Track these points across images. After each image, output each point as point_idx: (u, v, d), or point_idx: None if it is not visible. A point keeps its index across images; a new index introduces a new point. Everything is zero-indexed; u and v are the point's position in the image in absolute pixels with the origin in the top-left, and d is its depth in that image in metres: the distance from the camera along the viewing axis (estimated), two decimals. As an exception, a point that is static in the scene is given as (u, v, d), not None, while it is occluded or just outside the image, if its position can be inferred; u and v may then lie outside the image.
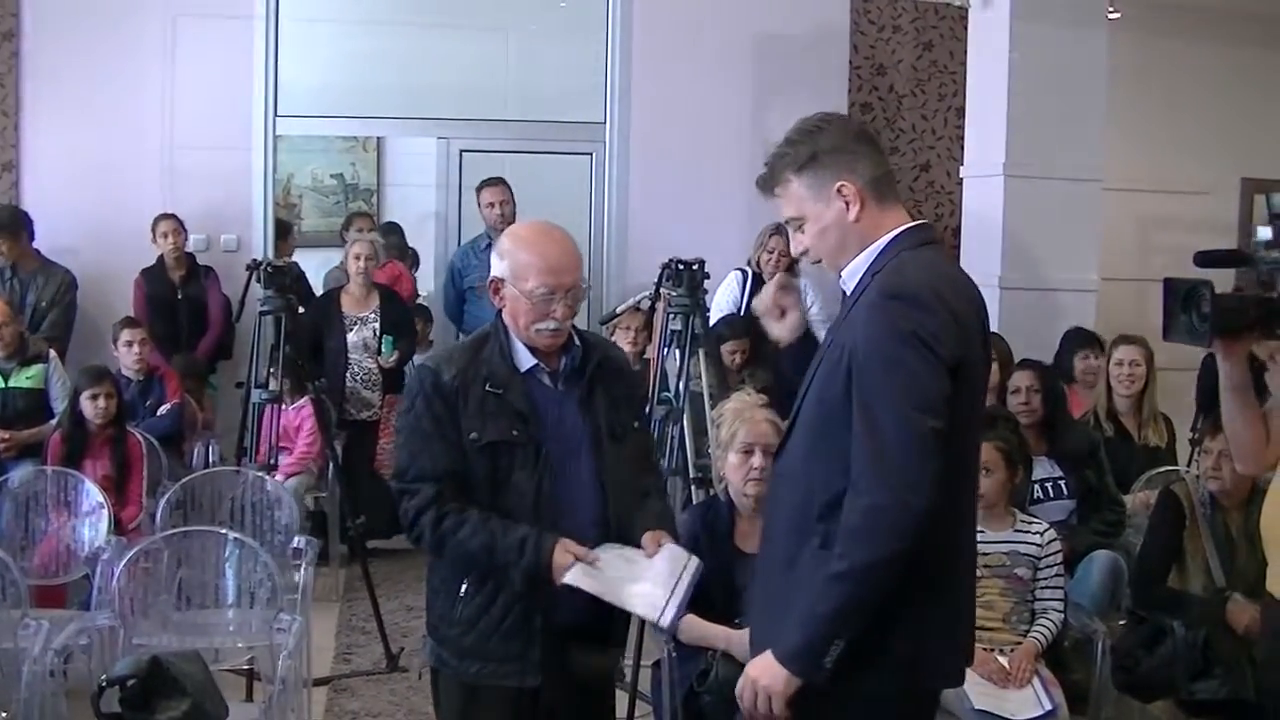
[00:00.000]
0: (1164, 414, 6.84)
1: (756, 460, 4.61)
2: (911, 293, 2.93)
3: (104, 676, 4.36)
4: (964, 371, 2.94)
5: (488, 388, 3.62)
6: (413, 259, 11.11)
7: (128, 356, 7.54)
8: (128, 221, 8.61)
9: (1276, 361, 4.86)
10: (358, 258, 8.58)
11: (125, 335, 7.60)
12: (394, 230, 10.75)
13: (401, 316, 8.78)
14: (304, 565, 5.43)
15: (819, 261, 3.18)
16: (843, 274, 3.13)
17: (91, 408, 6.54)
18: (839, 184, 3.05)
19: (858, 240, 3.08)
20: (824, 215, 3.09)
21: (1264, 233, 5.44)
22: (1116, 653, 5.11)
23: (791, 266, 8.44)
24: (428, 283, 10.29)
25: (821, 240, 3.13)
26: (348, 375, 8.45)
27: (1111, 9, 7.29)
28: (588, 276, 8.76)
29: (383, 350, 8.49)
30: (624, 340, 7.84)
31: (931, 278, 2.98)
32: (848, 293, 3.12)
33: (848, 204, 3.05)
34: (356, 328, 8.54)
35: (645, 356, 7.90)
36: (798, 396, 3.19)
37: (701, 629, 4.47)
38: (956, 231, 8.60)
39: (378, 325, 8.56)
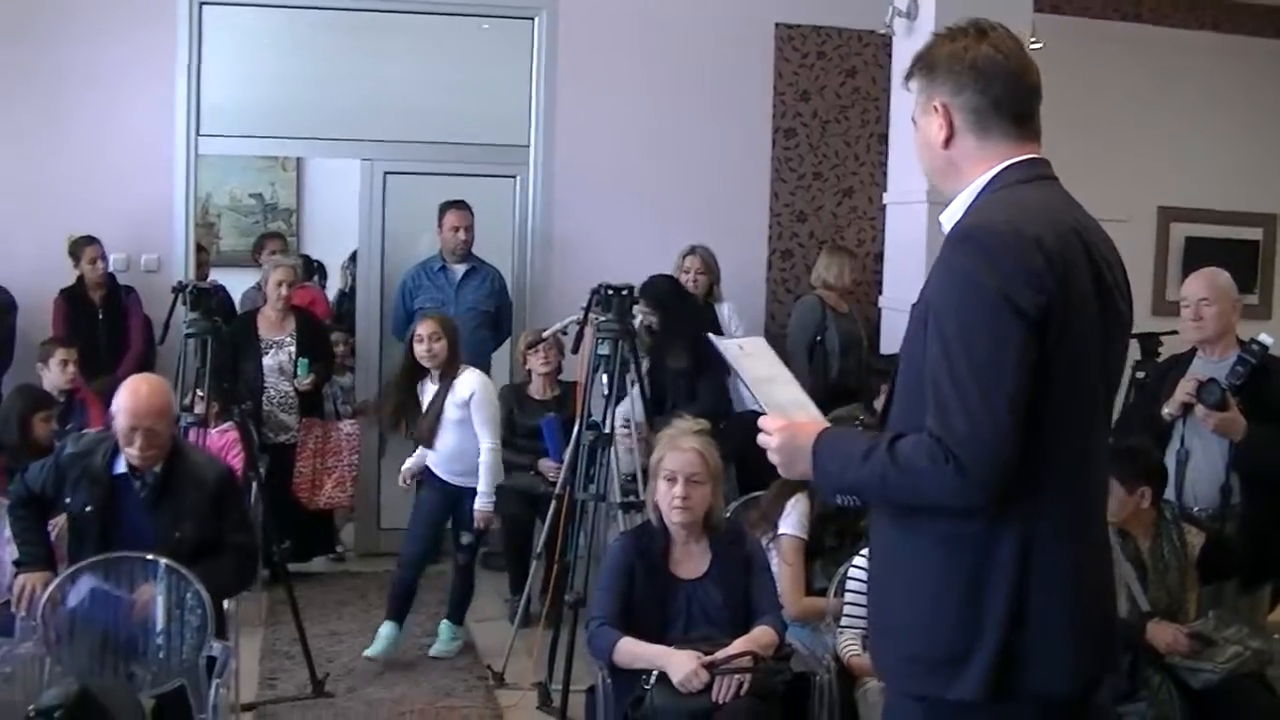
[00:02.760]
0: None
1: (678, 489, 4.65)
2: (986, 232, 2.68)
3: (31, 708, 4.32)
4: (1064, 317, 2.64)
5: None
6: (320, 273, 11.07)
7: (61, 376, 7.43)
8: (46, 240, 8.51)
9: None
10: (279, 284, 8.53)
11: (60, 354, 7.47)
12: (302, 258, 10.73)
13: (318, 339, 8.76)
14: (231, 595, 5.37)
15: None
16: (941, 219, 2.91)
17: (44, 429, 6.47)
18: (936, 102, 2.87)
19: (947, 169, 2.91)
20: (925, 128, 2.91)
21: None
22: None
23: (711, 289, 8.51)
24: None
25: (920, 153, 2.98)
26: (264, 399, 8.41)
27: (1034, 39, 7.36)
28: (513, 298, 8.88)
29: (299, 373, 8.45)
30: (536, 361, 7.89)
31: (1017, 214, 2.70)
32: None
33: (940, 126, 2.86)
34: (273, 351, 8.50)
35: (560, 378, 7.96)
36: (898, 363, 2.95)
37: (639, 649, 4.49)
38: (879, 258, 8.67)
39: (294, 349, 8.52)
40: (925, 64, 2.91)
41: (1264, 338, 5.73)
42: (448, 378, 7.15)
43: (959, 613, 2.70)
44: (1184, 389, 5.62)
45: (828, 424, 2.92)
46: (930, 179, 3.01)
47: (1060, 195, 2.89)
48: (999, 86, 2.83)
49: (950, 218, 2.87)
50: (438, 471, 7.27)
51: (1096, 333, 2.75)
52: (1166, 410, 5.69)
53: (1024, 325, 2.60)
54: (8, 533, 5.33)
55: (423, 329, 7.15)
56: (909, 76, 2.96)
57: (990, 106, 2.83)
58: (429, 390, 7.24)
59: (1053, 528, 2.71)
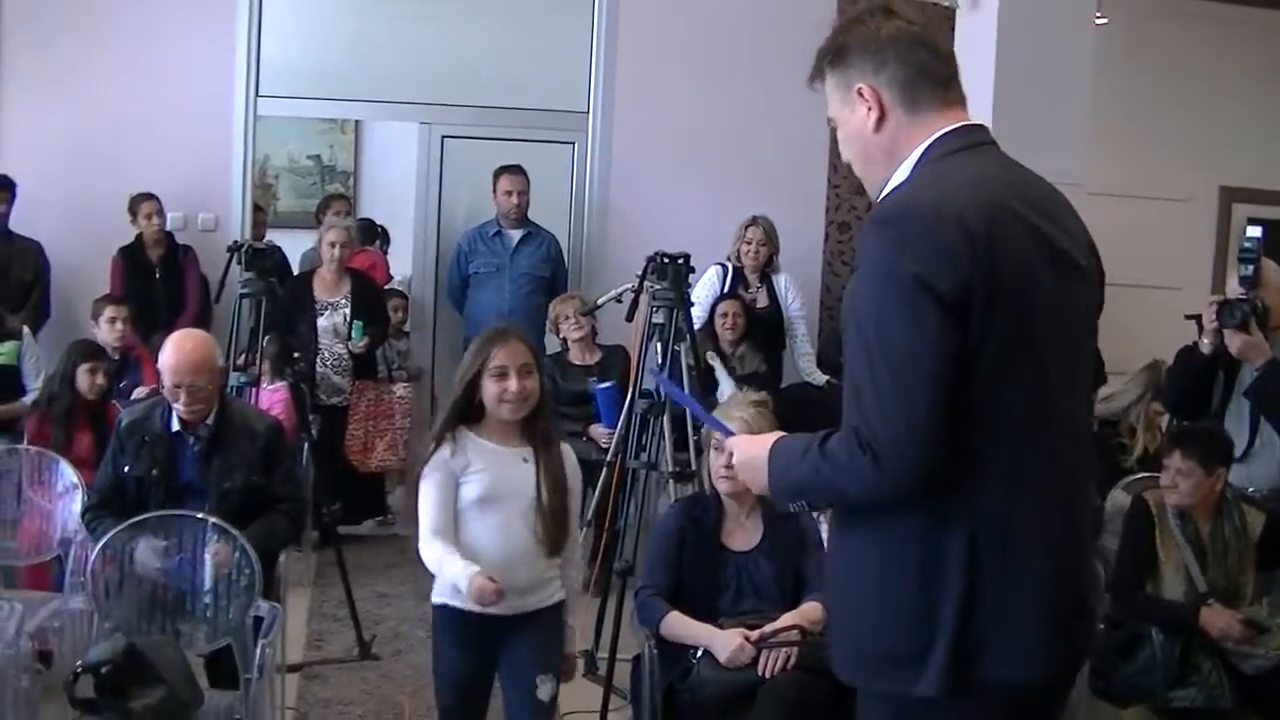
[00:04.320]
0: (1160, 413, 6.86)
1: (721, 458, 4.61)
2: (903, 215, 2.56)
3: (79, 663, 4.33)
4: (993, 295, 2.49)
5: None
6: (383, 239, 11.07)
7: (110, 334, 7.46)
8: (104, 199, 8.55)
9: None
10: (332, 245, 8.54)
11: (109, 312, 7.52)
12: (365, 222, 10.74)
13: (373, 302, 8.75)
14: (280, 552, 5.38)
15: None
16: (884, 193, 2.76)
17: (88, 381, 6.48)
18: (858, 86, 2.73)
19: (883, 155, 2.76)
20: (849, 120, 2.78)
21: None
22: (1093, 659, 5.11)
23: (770, 260, 8.47)
24: (404, 266, 10.23)
25: (846, 147, 2.84)
26: (318, 360, 8.42)
27: (1099, 15, 7.27)
28: (569, 265, 8.86)
29: (353, 336, 8.45)
30: (568, 327, 7.86)
31: (939, 192, 2.56)
32: None
33: (868, 110, 2.73)
34: (327, 313, 8.52)
35: (598, 341, 7.92)
36: None
37: (685, 627, 4.46)
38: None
39: (349, 310, 8.53)
40: (835, 54, 2.79)
41: None
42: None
43: (912, 608, 2.59)
44: (1208, 314, 5.49)
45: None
46: (865, 176, 2.85)
47: (995, 163, 2.75)
48: (922, 53, 2.72)
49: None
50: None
51: (1053, 299, 2.61)
52: (1204, 340, 5.57)
53: (941, 309, 2.47)
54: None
55: None
56: (815, 76, 2.85)
57: (916, 75, 2.71)
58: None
59: (1005, 511, 2.58)
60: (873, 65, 2.72)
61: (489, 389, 4.15)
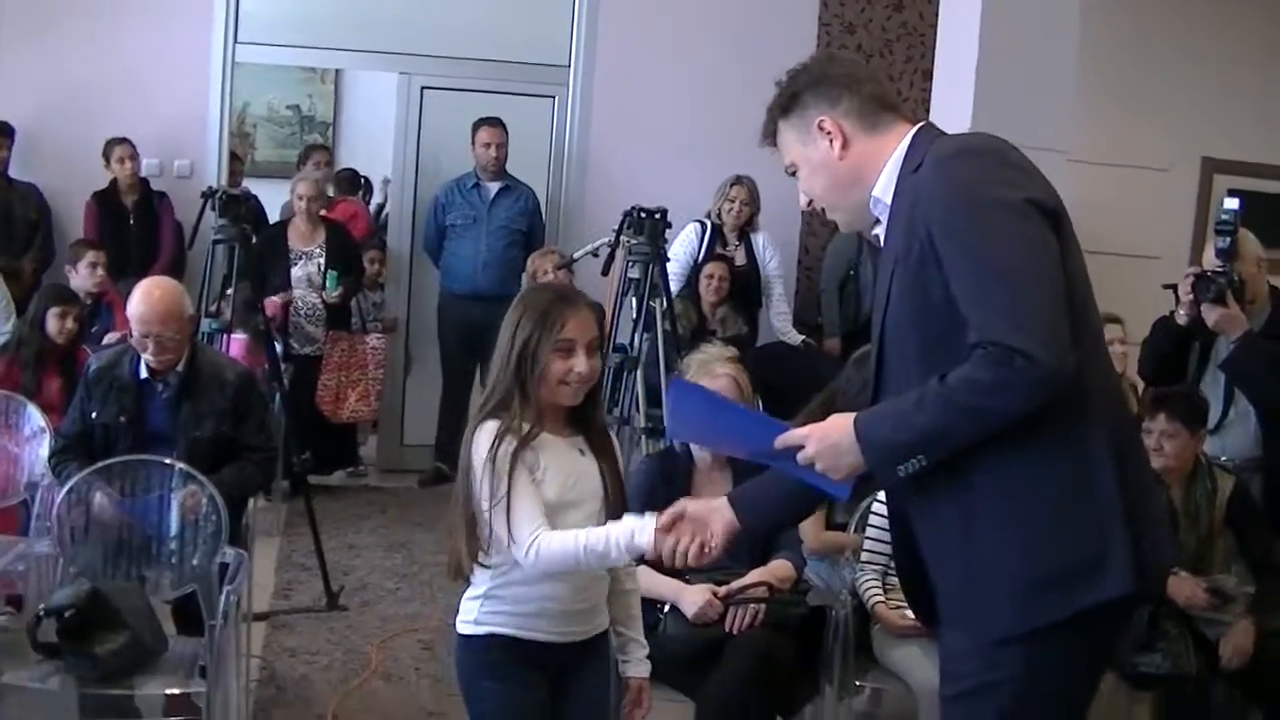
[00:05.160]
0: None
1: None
2: (977, 145, 2.76)
3: (42, 606, 4.31)
4: (1063, 220, 2.69)
5: None
6: (365, 188, 11.01)
7: (89, 279, 7.40)
8: (83, 145, 8.48)
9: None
10: (300, 198, 8.56)
11: (89, 256, 7.45)
12: (348, 172, 10.69)
13: (348, 252, 8.74)
14: (248, 500, 5.36)
15: (824, 211, 2.97)
16: (875, 193, 2.86)
17: (57, 325, 6.42)
18: (819, 120, 2.86)
19: (850, 176, 2.87)
20: (812, 157, 2.90)
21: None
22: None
23: (751, 219, 8.44)
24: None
25: (813, 182, 2.94)
26: (292, 309, 8.39)
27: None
28: (546, 219, 8.81)
29: (327, 285, 8.42)
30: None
31: (987, 136, 2.78)
32: (884, 209, 2.86)
33: (831, 141, 2.86)
34: (301, 262, 8.51)
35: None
36: (873, 345, 2.93)
37: (653, 582, 4.43)
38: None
39: (323, 260, 8.51)
40: (787, 102, 2.93)
41: None
42: None
43: (1080, 517, 2.65)
44: (1185, 287, 5.48)
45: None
46: (837, 204, 2.96)
47: None
48: (868, 84, 2.89)
49: (885, 189, 2.85)
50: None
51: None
52: (1181, 311, 5.56)
53: (1042, 215, 2.62)
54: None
55: None
56: (768, 134, 3.00)
57: (870, 100, 2.87)
58: None
59: (1115, 420, 2.74)
60: (828, 101, 2.88)
61: (552, 366, 3.28)
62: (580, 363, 3.29)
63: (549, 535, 3.19)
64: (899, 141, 2.84)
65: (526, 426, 3.27)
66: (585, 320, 3.34)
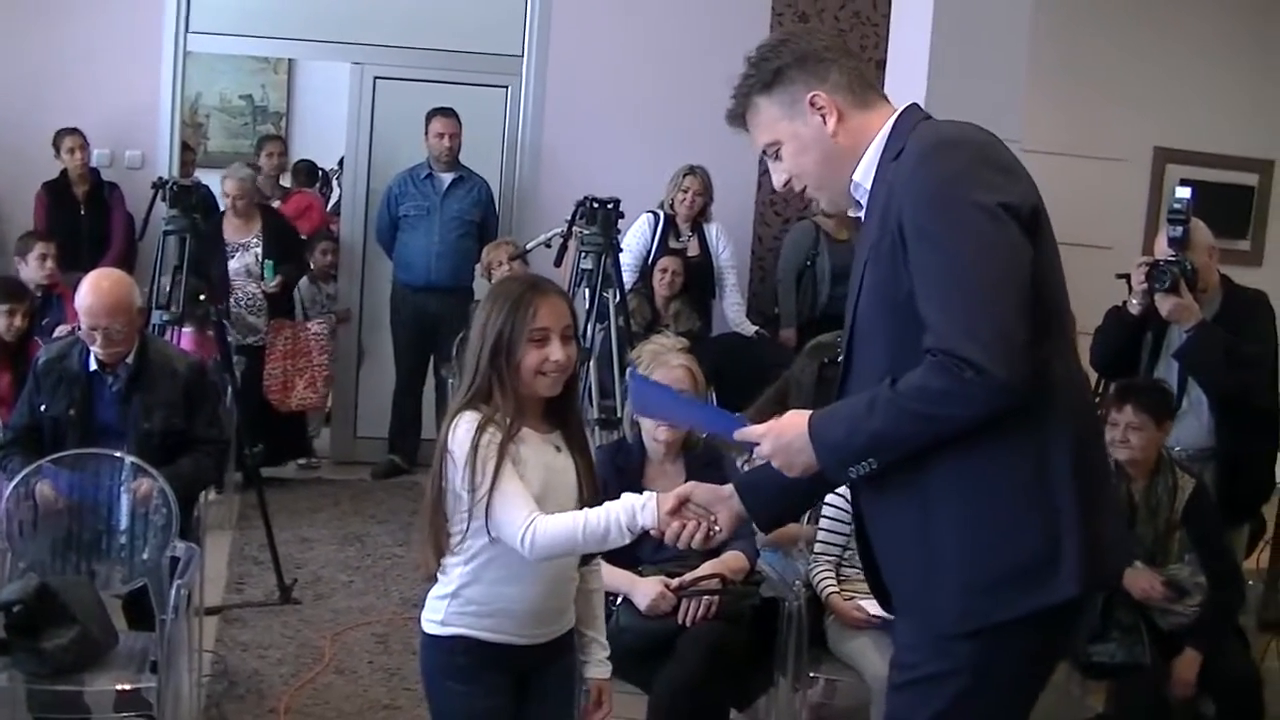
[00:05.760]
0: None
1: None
2: (957, 139, 2.67)
3: (-11, 601, 4.27)
4: (1041, 218, 2.66)
5: None
6: (324, 181, 10.95)
7: (39, 271, 7.31)
8: (31, 135, 8.38)
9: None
10: (227, 196, 8.55)
11: (39, 249, 7.34)
12: (306, 164, 10.63)
13: (286, 241, 8.74)
14: (200, 493, 5.32)
15: (805, 189, 2.92)
16: (855, 178, 2.82)
17: (6, 323, 6.37)
18: (811, 95, 2.79)
19: (842, 154, 2.81)
20: (801, 133, 2.83)
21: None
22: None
23: (704, 209, 8.43)
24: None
25: (801, 160, 2.86)
26: (232, 301, 8.34)
27: (1037, -30, 7.23)
28: (500, 210, 8.78)
29: (265, 275, 8.41)
30: (502, 274, 7.80)
31: (969, 127, 2.71)
32: (864, 194, 2.82)
33: (824, 116, 2.79)
34: (239, 254, 8.49)
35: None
36: (845, 334, 2.89)
37: (606, 574, 4.42)
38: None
39: (260, 250, 8.50)
40: (771, 78, 2.85)
41: None
42: None
43: (1034, 516, 2.64)
44: (1138, 276, 5.50)
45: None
46: (826, 183, 2.90)
47: None
48: (853, 60, 2.86)
49: (865, 174, 2.81)
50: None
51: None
52: (1134, 300, 5.58)
53: (1015, 219, 2.57)
54: None
55: None
56: (747, 109, 2.92)
57: (856, 77, 2.83)
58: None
59: (1078, 418, 2.73)
60: (817, 77, 2.80)
61: (527, 356, 3.20)
62: (555, 350, 3.23)
63: (544, 519, 3.12)
64: (884, 122, 2.81)
65: (509, 420, 3.20)
66: (558, 308, 3.28)
